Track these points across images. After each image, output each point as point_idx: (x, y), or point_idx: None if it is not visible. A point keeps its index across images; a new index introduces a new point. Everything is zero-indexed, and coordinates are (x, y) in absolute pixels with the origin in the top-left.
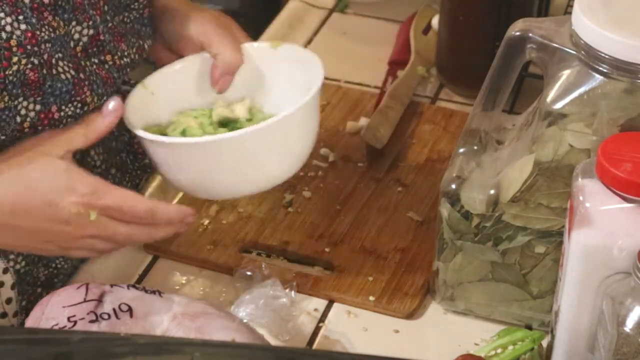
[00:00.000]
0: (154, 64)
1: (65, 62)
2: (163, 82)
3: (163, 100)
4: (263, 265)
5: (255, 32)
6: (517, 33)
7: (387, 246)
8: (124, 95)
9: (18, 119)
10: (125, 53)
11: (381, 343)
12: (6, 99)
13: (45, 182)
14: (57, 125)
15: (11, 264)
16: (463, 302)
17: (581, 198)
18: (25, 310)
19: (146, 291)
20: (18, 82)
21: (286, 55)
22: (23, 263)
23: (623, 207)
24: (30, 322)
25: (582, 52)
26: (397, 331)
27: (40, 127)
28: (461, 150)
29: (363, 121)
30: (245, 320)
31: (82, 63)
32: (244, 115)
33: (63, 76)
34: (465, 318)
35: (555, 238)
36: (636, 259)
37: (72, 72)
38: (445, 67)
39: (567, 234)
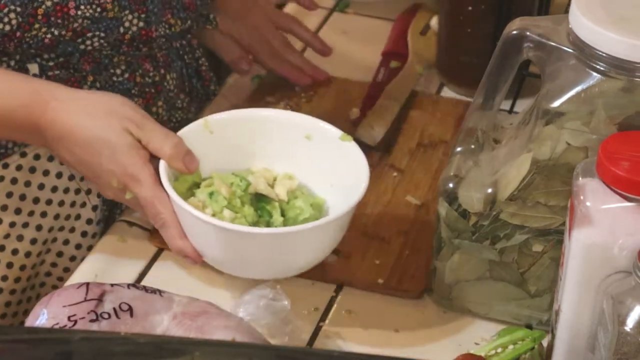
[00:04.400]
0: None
1: None
2: (225, 125)
3: (217, 144)
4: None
5: None
6: (515, 31)
7: (389, 230)
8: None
9: (121, 29)
10: None
11: (381, 343)
12: (116, 9)
13: (103, 147)
14: (151, 43)
15: None
16: (461, 301)
17: (582, 197)
18: (106, 221)
19: (146, 290)
20: None
21: (349, 151)
22: None
23: (624, 206)
24: (30, 322)
25: (580, 50)
26: (397, 331)
27: (137, 41)
28: (459, 149)
29: (354, 112)
30: (245, 320)
31: None
32: (282, 198)
33: None
34: (465, 317)
35: (553, 236)
36: (636, 258)
37: None
38: (445, 66)
39: (568, 233)
